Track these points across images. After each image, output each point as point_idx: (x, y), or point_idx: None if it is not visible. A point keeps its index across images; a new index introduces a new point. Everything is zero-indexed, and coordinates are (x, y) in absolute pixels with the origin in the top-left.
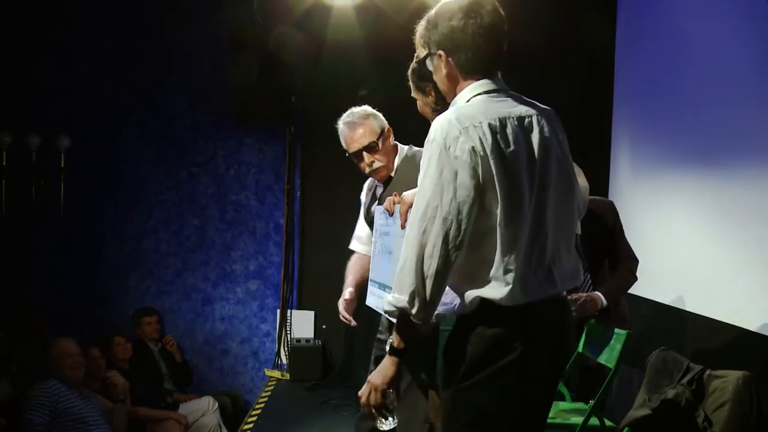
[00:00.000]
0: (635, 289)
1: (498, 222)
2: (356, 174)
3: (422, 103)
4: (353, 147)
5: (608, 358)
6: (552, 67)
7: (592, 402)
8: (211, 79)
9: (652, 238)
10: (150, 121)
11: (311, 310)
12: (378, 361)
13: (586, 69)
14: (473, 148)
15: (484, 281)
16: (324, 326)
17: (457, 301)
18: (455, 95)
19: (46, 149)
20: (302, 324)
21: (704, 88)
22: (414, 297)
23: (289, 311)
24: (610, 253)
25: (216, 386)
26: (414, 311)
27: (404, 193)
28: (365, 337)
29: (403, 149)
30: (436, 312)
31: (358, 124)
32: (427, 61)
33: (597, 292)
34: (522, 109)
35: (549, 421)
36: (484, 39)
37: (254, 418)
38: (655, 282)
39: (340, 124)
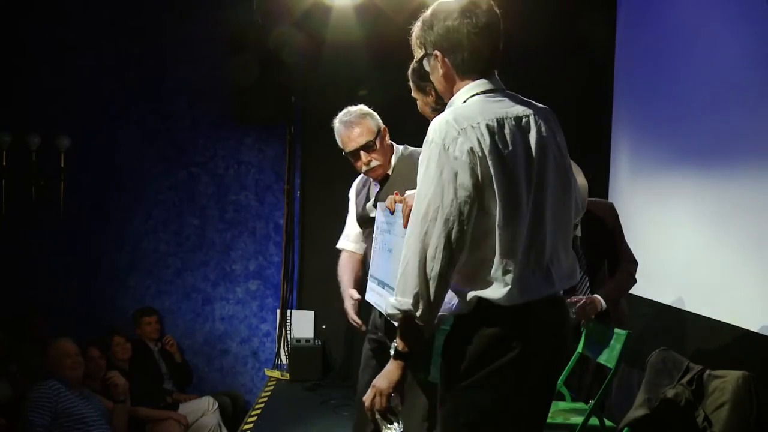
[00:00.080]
0: (635, 290)
1: (497, 222)
2: (356, 174)
3: (422, 102)
4: (350, 146)
5: (608, 358)
6: (552, 67)
7: (592, 402)
8: (210, 79)
9: (651, 239)
10: (150, 121)
11: (311, 310)
12: (371, 359)
13: (585, 69)
14: (471, 148)
15: (483, 281)
16: (324, 326)
17: (455, 300)
18: (452, 95)
19: (46, 149)
20: (302, 324)
21: (704, 88)
22: (418, 299)
23: (289, 311)
24: (609, 255)
25: (216, 386)
26: (419, 313)
27: (407, 193)
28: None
29: (398, 148)
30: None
31: (356, 123)
32: (424, 62)
33: (596, 295)
34: (519, 109)
35: (549, 421)
36: (480, 39)
37: (254, 418)
38: (655, 282)
39: (337, 123)
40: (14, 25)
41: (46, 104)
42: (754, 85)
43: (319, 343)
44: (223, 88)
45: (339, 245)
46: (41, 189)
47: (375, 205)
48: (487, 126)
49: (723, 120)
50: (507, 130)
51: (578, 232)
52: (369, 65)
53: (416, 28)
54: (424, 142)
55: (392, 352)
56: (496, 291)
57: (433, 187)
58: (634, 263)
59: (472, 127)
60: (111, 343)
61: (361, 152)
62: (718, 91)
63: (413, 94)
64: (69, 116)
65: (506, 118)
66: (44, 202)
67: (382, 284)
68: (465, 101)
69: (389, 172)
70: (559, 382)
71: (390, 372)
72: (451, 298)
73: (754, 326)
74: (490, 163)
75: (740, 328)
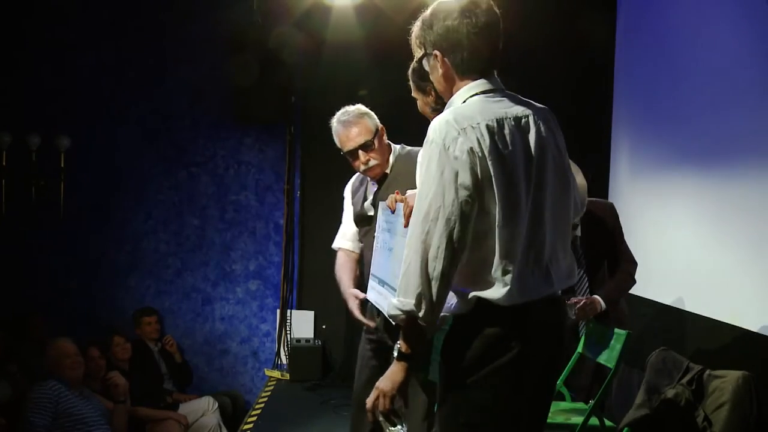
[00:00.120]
0: (635, 290)
1: (496, 222)
2: (355, 174)
3: (422, 102)
4: (349, 145)
5: (608, 358)
6: (552, 67)
7: (592, 402)
8: (210, 78)
9: (651, 239)
10: (150, 121)
11: (311, 310)
12: (370, 359)
13: (585, 69)
14: (471, 148)
15: (482, 281)
16: (324, 326)
17: (454, 300)
18: (452, 95)
19: (46, 149)
20: (302, 324)
21: (704, 88)
22: (420, 299)
23: (289, 311)
24: (609, 255)
25: (216, 386)
26: (421, 314)
27: (408, 193)
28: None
29: (396, 148)
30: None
31: (354, 123)
32: (424, 62)
33: (596, 296)
34: (519, 110)
35: (549, 421)
36: (480, 38)
37: (254, 418)
38: (655, 282)
39: (335, 123)
40: (14, 25)
41: (46, 104)
42: (754, 85)
43: (319, 343)
44: (223, 88)
45: (336, 245)
46: (41, 189)
47: (373, 204)
48: (487, 126)
49: (723, 120)
50: (507, 131)
51: (578, 232)
52: (369, 65)
53: (416, 27)
54: (425, 142)
55: (395, 353)
56: (495, 291)
57: (434, 186)
58: (634, 264)
59: (472, 127)
60: (111, 343)
61: (360, 152)
62: (718, 91)
63: (413, 94)
64: (69, 116)
65: (506, 119)
66: (44, 202)
67: (382, 283)
68: (464, 101)
69: (387, 171)
70: (559, 382)
71: (394, 373)
72: (450, 298)
73: (754, 326)
74: (489, 163)
75: (740, 328)
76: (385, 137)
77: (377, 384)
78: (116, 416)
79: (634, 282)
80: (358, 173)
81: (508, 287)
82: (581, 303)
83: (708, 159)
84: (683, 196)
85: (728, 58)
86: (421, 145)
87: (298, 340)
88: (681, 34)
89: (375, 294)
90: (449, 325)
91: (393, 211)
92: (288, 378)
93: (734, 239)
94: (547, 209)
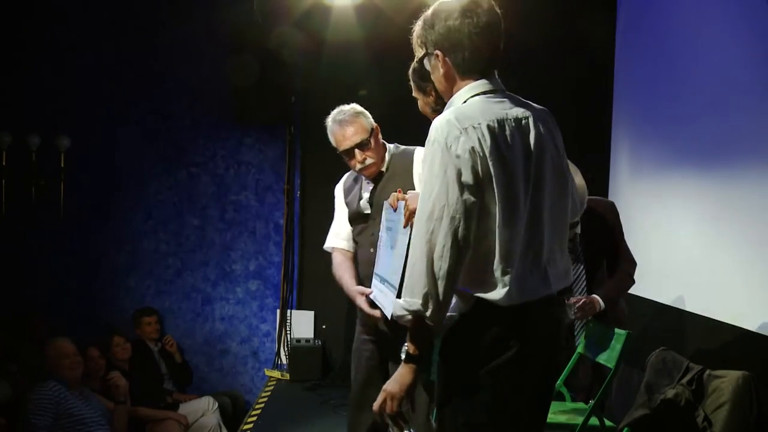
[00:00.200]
0: (636, 290)
1: (496, 223)
2: None
3: (423, 102)
4: (345, 144)
5: (608, 358)
6: (552, 67)
7: (592, 402)
8: (210, 79)
9: (652, 239)
10: (150, 121)
11: (311, 310)
12: (369, 360)
13: (585, 69)
14: (473, 148)
15: (482, 281)
16: (324, 326)
17: (454, 300)
18: (452, 95)
19: (46, 149)
20: (302, 324)
21: (704, 88)
22: (427, 299)
23: (289, 311)
24: (609, 254)
25: (216, 386)
26: (428, 313)
27: (409, 194)
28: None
29: (390, 146)
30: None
31: (350, 122)
32: (425, 61)
33: (595, 295)
34: (519, 111)
35: (549, 421)
36: (481, 38)
37: (254, 418)
38: (655, 282)
39: (330, 122)
40: (14, 25)
41: (46, 104)
42: (754, 85)
43: (319, 343)
44: (223, 88)
45: (329, 245)
46: (41, 189)
47: (370, 203)
48: (488, 126)
49: (723, 120)
50: (507, 131)
51: (578, 230)
52: (369, 65)
53: (417, 27)
54: (426, 141)
55: (402, 356)
56: (495, 291)
57: (438, 186)
58: (633, 264)
59: (474, 127)
60: (111, 343)
61: (356, 150)
62: (718, 92)
63: (414, 94)
64: (69, 116)
65: (506, 119)
66: (44, 202)
67: (383, 281)
68: (465, 101)
69: (383, 169)
70: (559, 382)
71: (402, 376)
72: None
73: (754, 326)
74: (490, 163)
75: (740, 328)
76: (380, 136)
77: (384, 386)
78: (116, 417)
79: (633, 282)
80: (349, 173)
81: (508, 288)
82: (580, 302)
83: (708, 159)
84: (683, 196)
85: (728, 58)
86: (421, 145)
87: (298, 340)
88: (681, 34)
89: (377, 292)
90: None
91: (395, 210)
92: (288, 378)
93: (734, 239)
94: (546, 209)
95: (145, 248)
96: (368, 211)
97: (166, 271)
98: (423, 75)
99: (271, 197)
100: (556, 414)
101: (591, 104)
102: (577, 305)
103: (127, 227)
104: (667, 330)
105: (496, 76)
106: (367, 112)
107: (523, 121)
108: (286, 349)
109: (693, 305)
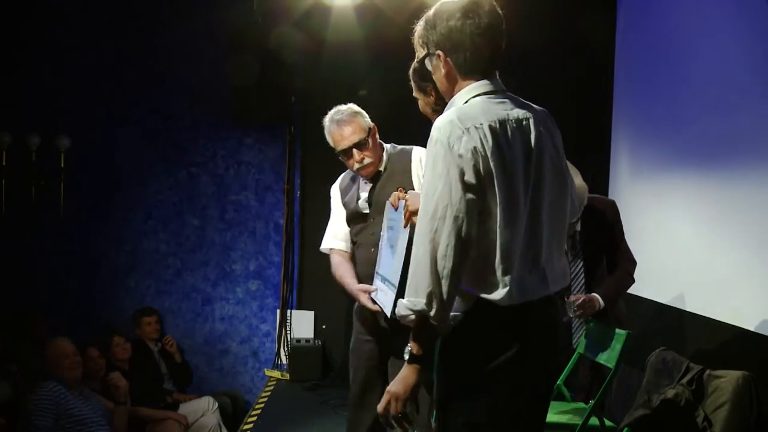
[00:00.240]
0: (636, 290)
1: (497, 223)
2: None
3: (424, 103)
4: (343, 144)
5: (608, 358)
6: (552, 67)
7: (592, 402)
8: (210, 79)
9: (652, 239)
10: (150, 121)
11: (311, 310)
12: (368, 360)
13: (585, 69)
14: (475, 147)
15: (482, 281)
16: (324, 326)
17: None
18: (453, 95)
19: (46, 149)
20: (302, 324)
21: (704, 88)
22: (432, 298)
23: (289, 311)
24: (608, 252)
25: (216, 386)
26: (433, 312)
27: (410, 193)
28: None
29: (386, 146)
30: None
31: (348, 122)
32: (426, 61)
33: (595, 294)
34: (520, 112)
35: (549, 421)
36: (483, 39)
37: (254, 418)
38: (655, 282)
39: (327, 122)
40: (14, 25)
41: (46, 104)
42: (754, 85)
43: (319, 343)
44: (223, 88)
45: (327, 246)
46: (41, 189)
47: (369, 202)
48: (490, 127)
49: (723, 120)
50: (509, 132)
51: (578, 227)
52: (369, 65)
53: (419, 27)
54: (428, 141)
55: (406, 356)
56: (495, 291)
57: (441, 185)
58: (633, 263)
59: (476, 127)
60: (111, 343)
61: (354, 150)
62: (718, 92)
63: (415, 94)
64: (69, 116)
65: (508, 120)
66: (44, 202)
67: (384, 280)
68: (466, 101)
69: (381, 169)
70: (559, 382)
71: (406, 377)
72: None
73: (754, 326)
74: (492, 163)
75: (740, 328)
76: (377, 135)
77: (388, 388)
78: (117, 417)
79: (632, 281)
80: (344, 173)
81: (508, 288)
82: (580, 300)
83: (708, 159)
84: (683, 197)
85: (728, 58)
86: (420, 145)
87: (298, 340)
88: (681, 34)
89: (379, 292)
90: None
91: (396, 209)
92: (288, 378)
93: (734, 239)
94: (545, 210)
95: (145, 248)
96: (367, 211)
97: (166, 271)
98: (423, 75)
99: (271, 197)
100: (556, 414)
101: (591, 104)
102: (576, 303)
103: (127, 227)
104: (667, 330)
105: (497, 77)
106: (364, 112)
107: (524, 122)
108: (286, 349)
109: (693, 305)
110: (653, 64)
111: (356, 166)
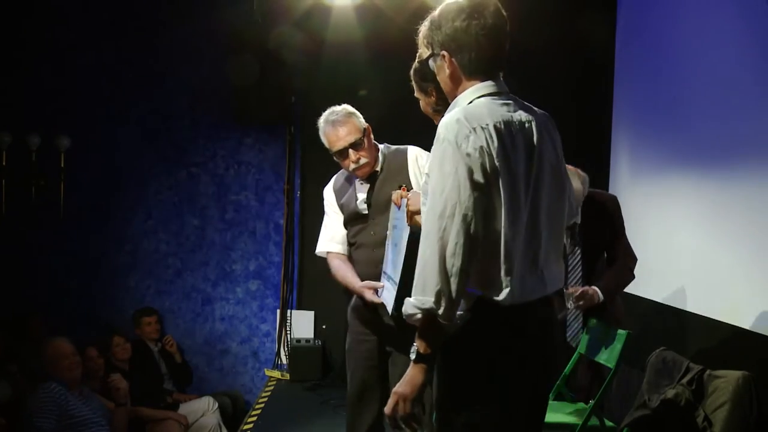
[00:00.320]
0: (635, 289)
1: (501, 223)
2: None
3: (425, 103)
4: (339, 145)
5: (608, 358)
6: (552, 67)
7: (592, 402)
8: (210, 79)
9: (651, 239)
10: (150, 121)
11: (311, 310)
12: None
13: (585, 69)
14: (482, 147)
15: (484, 281)
16: (324, 326)
17: None
18: (457, 95)
19: (46, 149)
20: (302, 324)
21: (704, 88)
22: (440, 296)
23: (289, 311)
24: (608, 246)
25: (216, 386)
26: (441, 311)
27: (410, 193)
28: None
29: (381, 147)
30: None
31: (343, 122)
32: (430, 62)
33: (594, 287)
34: (523, 114)
35: (549, 421)
36: (487, 40)
37: (254, 418)
38: (655, 282)
39: (322, 123)
40: (14, 25)
41: (46, 104)
42: (754, 85)
43: (319, 343)
44: (223, 88)
45: (324, 249)
46: (41, 189)
47: (367, 202)
48: (495, 127)
49: (723, 120)
50: (513, 134)
51: (578, 219)
52: (369, 65)
53: (423, 27)
54: (435, 140)
55: (412, 356)
56: (497, 291)
57: (449, 184)
58: (634, 258)
59: (482, 127)
60: (111, 343)
61: (350, 150)
62: (718, 92)
63: (416, 94)
64: (69, 116)
65: (511, 122)
66: (44, 202)
67: (388, 278)
68: (471, 102)
69: (377, 169)
70: (559, 382)
71: (413, 377)
72: None
73: (754, 326)
74: (497, 163)
75: (740, 328)
76: (372, 136)
77: (395, 389)
78: (117, 418)
79: (632, 277)
80: (337, 174)
81: (510, 287)
82: (579, 292)
83: (708, 159)
84: (683, 197)
85: (728, 58)
86: (420, 145)
87: (298, 340)
88: (681, 35)
89: (384, 291)
90: None
91: (399, 207)
92: (288, 378)
93: (734, 239)
94: (543, 212)
95: (145, 248)
96: (366, 212)
97: (166, 271)
98: (424, 75)
99: (271, 197)
100: (556, 414)
101: (591, 104)
102: (575, 294)
103: (127, 227)
104: (667, 330)
105: (501, 78)
106: (358, 113)
107: (527, 125)
108: (286, 349)
109: (693, 305)
110: (653, 64)
111: (352, 166)
